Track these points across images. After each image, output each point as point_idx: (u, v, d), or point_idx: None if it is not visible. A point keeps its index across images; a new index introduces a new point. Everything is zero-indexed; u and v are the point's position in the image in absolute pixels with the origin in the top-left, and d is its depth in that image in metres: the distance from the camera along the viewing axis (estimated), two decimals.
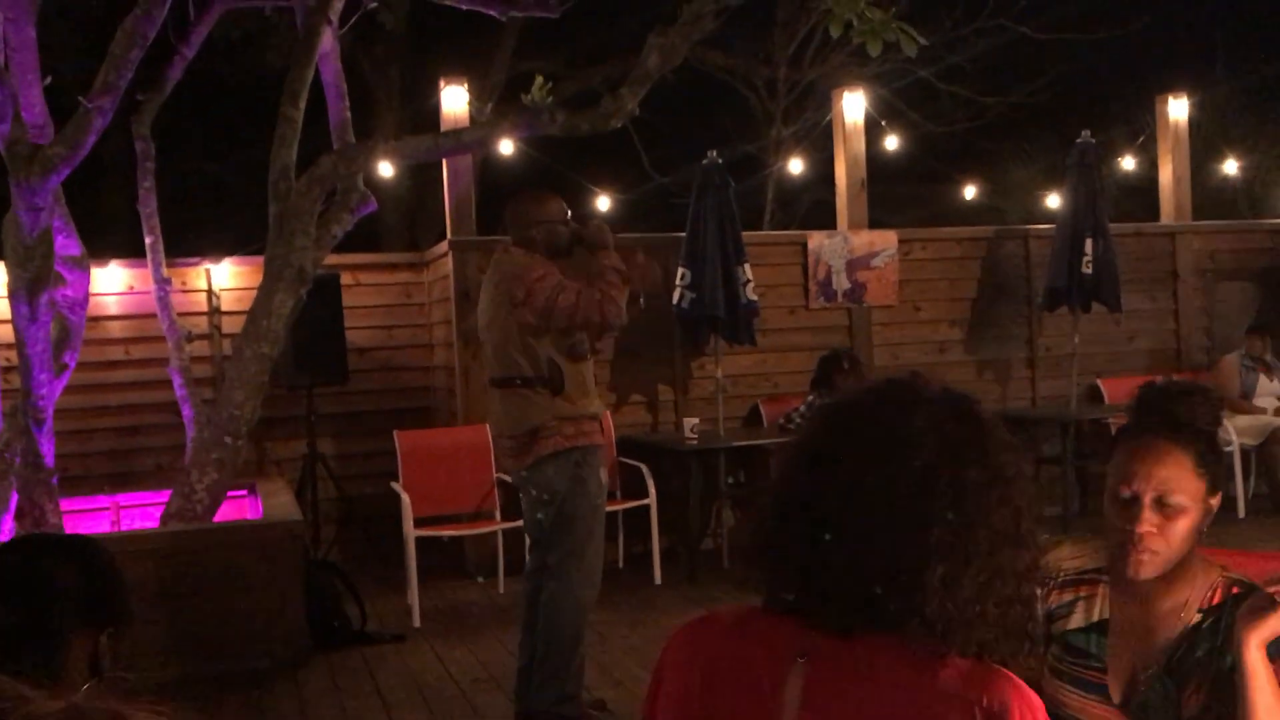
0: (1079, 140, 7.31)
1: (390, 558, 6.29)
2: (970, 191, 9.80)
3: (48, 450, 5.03)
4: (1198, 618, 1.81)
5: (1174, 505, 1.75)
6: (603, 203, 7.24)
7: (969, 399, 1.32)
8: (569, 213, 4.28)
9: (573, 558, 4.07)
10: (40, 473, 4.99)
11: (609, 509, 6.38)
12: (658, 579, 6.28)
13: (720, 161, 6.68)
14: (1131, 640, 1.85)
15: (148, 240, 6.36)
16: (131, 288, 6.88)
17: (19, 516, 5.01)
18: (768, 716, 1.23)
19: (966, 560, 1.19)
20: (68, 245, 5.53)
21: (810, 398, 6.64)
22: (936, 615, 1.18)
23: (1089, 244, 7.16)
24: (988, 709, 1.15)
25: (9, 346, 5.68)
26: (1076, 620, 1.89)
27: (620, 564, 6.69)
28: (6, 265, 4.88)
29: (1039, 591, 1.88)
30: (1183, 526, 1.76)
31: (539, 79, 5.14)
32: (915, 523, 1.19)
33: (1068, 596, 1.91)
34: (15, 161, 4.41)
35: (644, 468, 6.35)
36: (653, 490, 6.25)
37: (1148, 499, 1.75)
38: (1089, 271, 7.17)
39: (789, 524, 1.27)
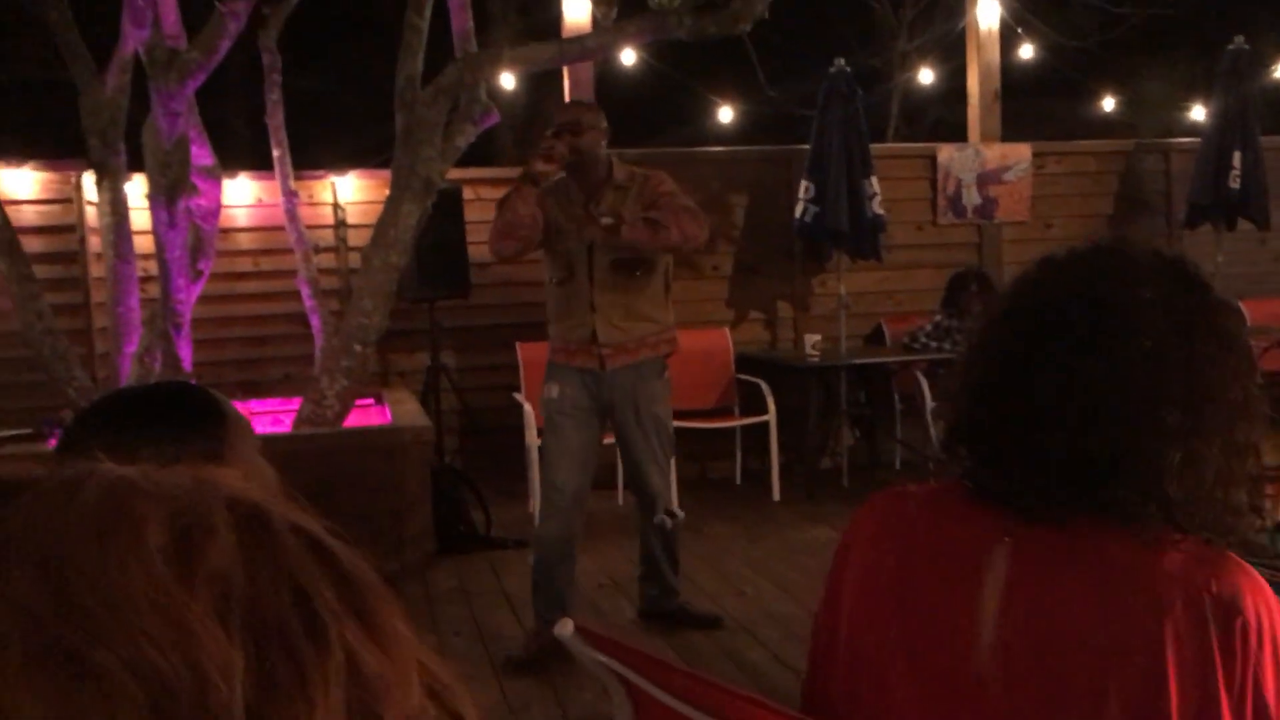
0: (1230, 46, 6.90)
1: (510, 468, 6.37)
2: (1106, 105, 9.36)
3: (185, 354, 5.18)
4: None
5: None
6: (724, 114, 7.11)
7: (1188, 262, 1.21)
8: (578, 122, 3.92)
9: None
10: (179, 375, 5.14)
11: (727, 424, 6.41)
12: (776, 495, 6.25)
13: (848, 70, 6.48)
14: None
15: (275, 153, 6.45)
16: (260, 200, 7.00)
17: None
18: (968, 594, 1.17)
19: (1207, 440, 1.10)
20: (200, 155, 5.64)
21: (938, 317, 6.48)
22: (1175, 499, 1.09)
23: (1236, 157, 6.79)
24: (1217, 595, 1.07)
25: (147, 257, 5.83)
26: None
27: (738, 480, 6.68)
28: (146, 172, 4.99)
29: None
30: None
31: None
32: (1150, 405, 1.09)
33: None
34: (154, 67, 4.48)
35: (762, 384, 6.30)
36: (772, 407, 6.19)
37: None
38: (1235, 186, 6.81)
39: (998, 408, 1.18)
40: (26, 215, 6.21)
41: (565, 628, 1.51)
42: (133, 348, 5.68)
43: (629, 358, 4.02)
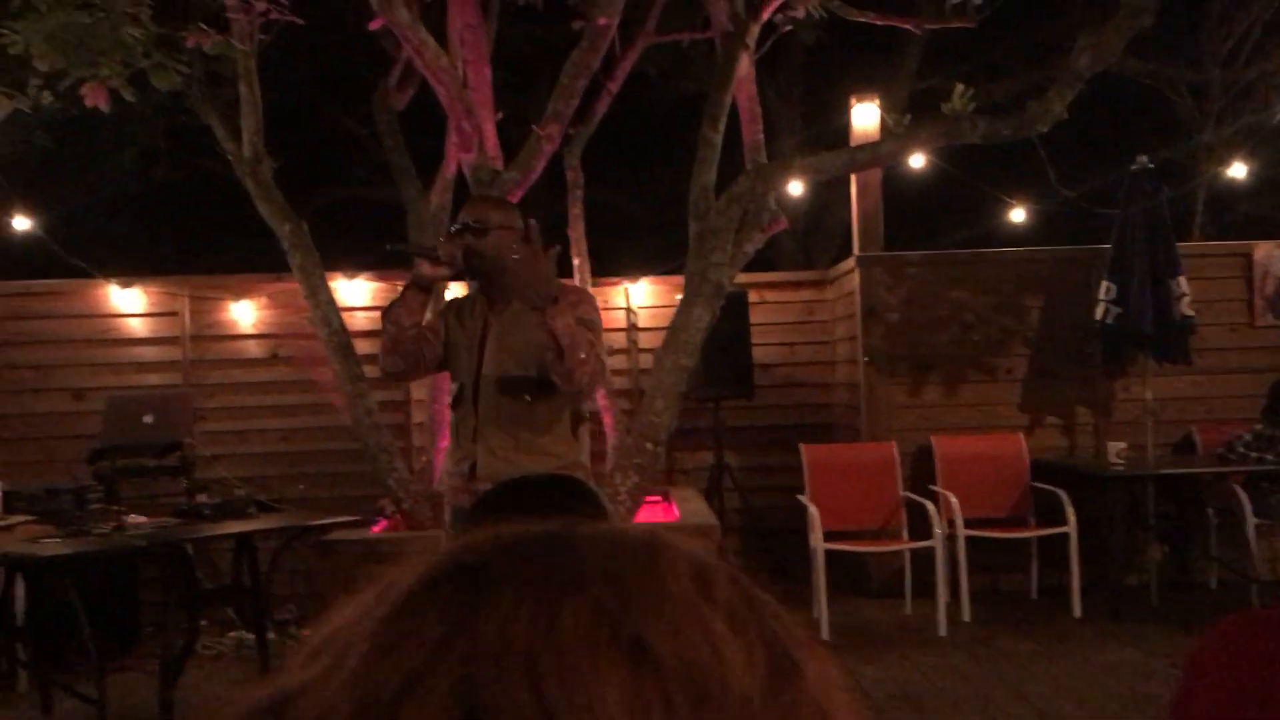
0: None
1: (789, 570, 6.34)
2: None
3: None
4: None
5: None
6: (1017, 214, 6.97)
7: None
8: (484, 220, 3.33)
9: None
10: None
11: (1022, 535, 6.14)
12: (1077, 612, 5.90)
13: (1151, 166, 6.23)
14: None
15: (575, 261, 6.84)
16: None
17: None
18: None
19: None
20: None
21: (1258, 426, 5.99)
22: None
23: None
24: None
25: None
26: None
27: (1033, 593, 6.36)
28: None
29: None
30: None
31: (959, 86, 5.03)
32: None
33: None
34: (478, 185, 4.90)
35: (1062, 493, 6.01)
36: (1072, 518, 5.89)
37: None
38: None
39: None
40: (358, 321, 6.86)
41: None
42: (445, 443, 6.11)
43: None
